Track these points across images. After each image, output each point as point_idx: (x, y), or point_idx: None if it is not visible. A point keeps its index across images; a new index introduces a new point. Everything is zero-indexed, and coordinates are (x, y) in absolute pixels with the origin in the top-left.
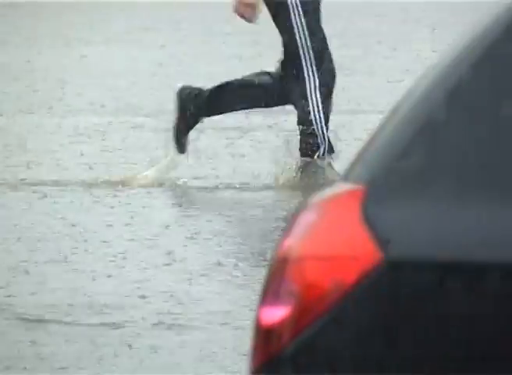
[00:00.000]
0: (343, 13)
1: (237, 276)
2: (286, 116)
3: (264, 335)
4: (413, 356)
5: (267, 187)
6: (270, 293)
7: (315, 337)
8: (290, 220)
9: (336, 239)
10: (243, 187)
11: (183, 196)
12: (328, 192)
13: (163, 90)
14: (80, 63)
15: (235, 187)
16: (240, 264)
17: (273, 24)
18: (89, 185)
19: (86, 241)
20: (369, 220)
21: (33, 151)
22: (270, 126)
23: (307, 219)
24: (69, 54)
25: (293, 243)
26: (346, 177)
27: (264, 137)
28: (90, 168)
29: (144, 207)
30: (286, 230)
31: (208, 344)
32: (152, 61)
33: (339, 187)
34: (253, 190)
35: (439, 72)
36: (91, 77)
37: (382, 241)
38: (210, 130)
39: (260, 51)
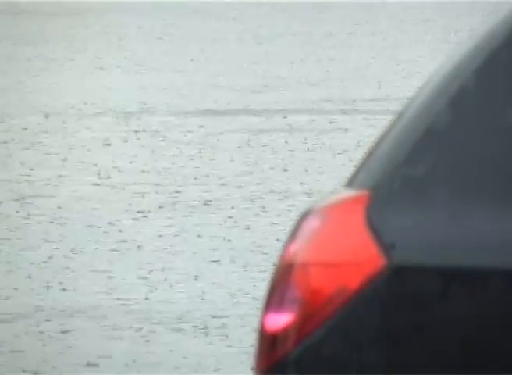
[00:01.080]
0: None
1: None
2: None
3: (269, 341)
4: (417, 362)
5: None
6: (274, 299)
7: (319, 343)
8: (295, 226)
9: (340, 245)
10: None
11: None
12: (332, 198)
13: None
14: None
15: None
16: None
17: None
18: None
19: None
20: (373, 226)
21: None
22: None
23: (311, 225)
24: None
25: (298, 249)
26: (350, 183)
27: None
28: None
29: None
30: (291, 236)
31: None
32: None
33: (344, 193)
34: None
35: (442, 78)
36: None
37: (386, 247)
38: None
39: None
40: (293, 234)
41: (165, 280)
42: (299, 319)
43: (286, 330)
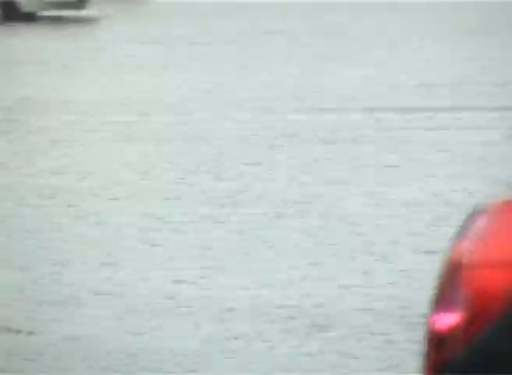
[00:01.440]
0: None
1: None
2: None
3: (438, 341)
4: None
5: None
6: (442, 299)
7: (488, 342)
8: (462, 226)
9: (508, 245)
10: None
11: None
12: (500, 198)
13: None
14: None
15: None
16: None
17: None
18: None
19: None
20: None
21: None
22: None
23: (480, 225)
24: None
25: (466, 249)
26: None
27: None
28: None
29: None
30: (459, 235)
31: None
32: None
33: None
34: None
35: None
36: None
37: None
38: None
39: None
40: (461, 234)
41: (305, 278)
42: (467, 318)
43: (454, 330)
